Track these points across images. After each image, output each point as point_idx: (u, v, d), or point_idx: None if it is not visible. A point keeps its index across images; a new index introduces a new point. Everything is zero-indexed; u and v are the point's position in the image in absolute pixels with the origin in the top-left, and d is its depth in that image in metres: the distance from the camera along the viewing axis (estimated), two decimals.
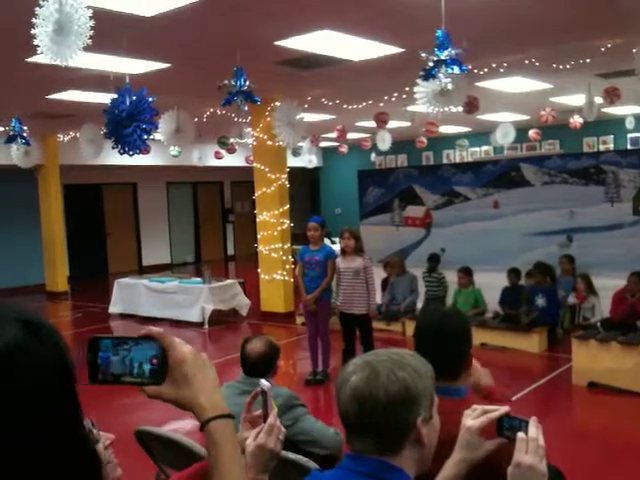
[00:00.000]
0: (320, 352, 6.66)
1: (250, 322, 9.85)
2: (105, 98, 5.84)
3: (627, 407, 5.63)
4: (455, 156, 16.88)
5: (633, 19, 5.45)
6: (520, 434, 1.55)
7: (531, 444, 1.52)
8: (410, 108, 10.34)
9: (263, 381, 1.52)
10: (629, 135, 14.55)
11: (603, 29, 6.49)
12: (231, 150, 12.90)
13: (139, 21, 5.51)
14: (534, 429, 1.55)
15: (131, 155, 5.72)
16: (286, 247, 9.95)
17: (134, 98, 5.62)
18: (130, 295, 10.69)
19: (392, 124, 11.49)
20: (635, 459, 4.45)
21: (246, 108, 6.37)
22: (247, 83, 6.12)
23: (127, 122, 5.60)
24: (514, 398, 5.94)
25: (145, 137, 5.67)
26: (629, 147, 14.34)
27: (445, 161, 16.93)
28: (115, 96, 5.58)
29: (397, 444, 1.41)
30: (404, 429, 1.41)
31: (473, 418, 1.67)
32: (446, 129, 14.74)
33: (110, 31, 5.87)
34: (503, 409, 1.65)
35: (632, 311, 7.14)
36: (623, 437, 4.92)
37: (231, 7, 5.35)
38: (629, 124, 12.73)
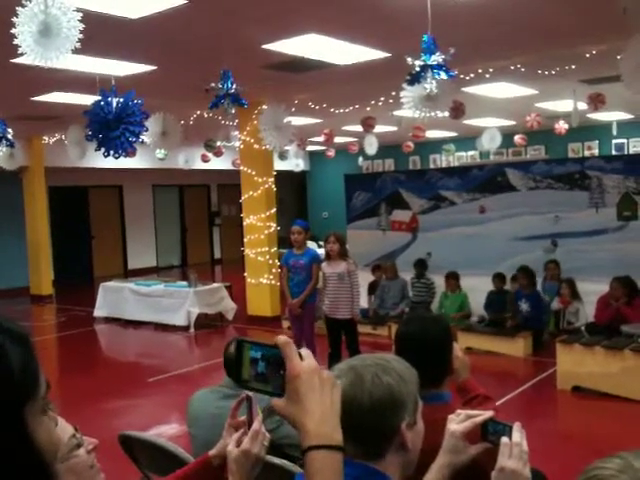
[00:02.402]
0: None
1: (236, 326, 9.82)
2: (91, 100, 5.81)
3: (611, 411, 5.67)
4: (442, 161, 16.96)
5: (626, 23, 5.49)
6: (504, 439, 1.55)
7: (515, 449, 1.53)
8: (397, 113, 10.37)
9: None
10: (614, 141, 14.69)
11: (589, 35, 6.54)
12: (218, 153, 12.88)
13: (125, 23, 5.49)
14: (518, 434, 1.56)
15: (116, 157, 5.69)
16: (273, 251, 9.94)
17: (121, 100, 5.60)
18: (115, 299, 10.63)
19: (379, 128, 11.52)
20: None
21: (233, 111, 6.35)
22: (234, 86, 6.11)
23: (114, 124, 5.57)
24: (499, 402, 5.96)
25: (133, 140, 5.65)
26: (614, 153, 14.47)
27: (432, 166, 16.99)
28: (98, 98, 5.55)
29: (381, 449, 1.41)
30: (388, 434, 1.41)
31: (457, 423, 1.67)
32: (433, 134, 14.80)
33: (96, 33, 5.84)
34: (487, 414, 1.65)
35: (616, 316, 7.20)
36: (607, 441, 4.94)
37: (218, 10, 5.34)
38: (614, 130, 12.85)
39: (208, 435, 3.01)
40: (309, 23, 5.84)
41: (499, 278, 8.44)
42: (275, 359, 1.05)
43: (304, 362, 1.05)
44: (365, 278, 9.32)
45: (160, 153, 12.55)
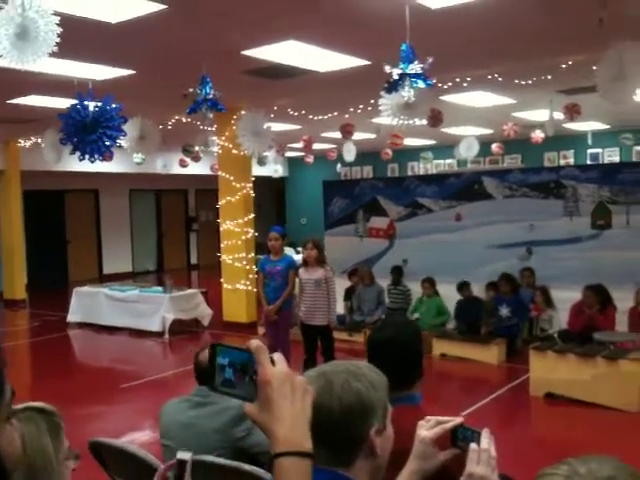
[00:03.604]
0: None
1: (212, 332, 9.77)
2: (69, 104, 5.76)
3: (583, 417, 5.73)
4: (420, 168, 17.06)
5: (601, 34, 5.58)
6: (472, 445, 1.56)
7: (483, 455, 1.54)
8: (376, 120, 10.42)
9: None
10: (589, 150, 14.89)
11: (565, 46, 6.63)
12: (196, 158, 12.83)
13: (104, 27, 5.46)
14: (486, 440, 1.56)
15: (92, 161, 5.65)
16: (250, 257, 9.91)
17: (99, 104, 5.56)
18: (89, 304, 10.52)
19: (358, 135, 11.56)
20: None
21: (211, 116, 6.34)
22: (213, 91, 6.10)
23: (92, 128, 5.54)
24: (472, 408, 6.00)
25: (109, 144, 5.61)
26: (589, 162, 14.67)
27: (410, 173, 17.09)
28: (75, 101, 5.51)
29: (350, 455, 1.41)
30: (357, 440, 1.41)
31: (427, 429, 1.68)
32: (411, 142, 14.89)
33: (74, 37, 5.79)
34: (457, 420, 1.66)
35: (589, 323, 7.29)
36: (579, 447, 4.99)
37: (197, 16, 5.33)
38: (589, 140, 13.02)
39: (178, 445, 3.00)
40: (289, 30, 5.86)
41: (465, 286, 8.51)
42: (244, 365, 1.05)
43: (276, 368, 1.05)
44: (342, 284, 9.33)
45: (138, 157, 12.47)
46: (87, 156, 5.59)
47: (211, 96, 6.04)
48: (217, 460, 2.67)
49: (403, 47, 4.76)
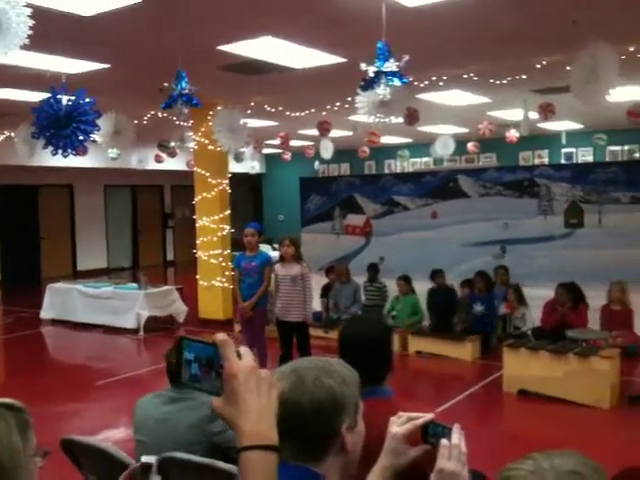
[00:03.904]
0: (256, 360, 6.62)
1: (187, 329, 9.71)
2: (41, 97, 5.68)
3: (556, 414, 5.80)
4: (396, 166, 17.13)
5: (575, 35, 5.64)
6: (443, 441, 1.57)
7: (454, 451, 1.55)
8: (353, 118, 10.44)
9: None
10: (563, 150, 15.07)
11: (540, 46, 6.70)
12: (172, 154, 12.74)
13: (77, 20, 5.39)
14: (457, 436, 1.57)
15: (65, 156, 5.58)
16: (226, 253, 9.88)
17: (73, 98, 5.49)
18: (63, 300, 10.40)
19: (335, 133, 11.57)
20: None
21: (186, 112, 6.29)
22: (188, 86, 6.05)
23: (65, 122, 5.46)
24: (447, 405, 6.05)
25: (82, 138, 5.54)
26: (563, 162, 14.85)
27: (387, 171, 17.16)
28: (48, 95, 5.43)
29: (321, 451, 1.41)
30: (329, 436, 1.41)
31: (399, 425, 1.68)
32: (388, 139, 14.94)
33: (47, 29, 5.71)
34: (428, 416, 1.67)
35: (562, 321, 7.40)
36: (550, 443, 5.06)
37: (172, 10, 5.28)
38: (563, 139, 13.18)
39: (153, 440, 2.98)
40: (265, 26, 5.84)
41: (438, 274, 8.55)
42: (210, 359, 1.04)
43: (242, 361, 1.05)
44: (318, 281, 9.34)
45: (112, 153, 12.32)
46: (60, 151, 5.52)
47: (186, 91, 5.98)
48: (190, 457, 2.66)
49: (379, 45, 4.77)
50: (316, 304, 8.65)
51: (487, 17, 5.71)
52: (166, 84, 5.89)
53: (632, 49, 6.51)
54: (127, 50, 6.58)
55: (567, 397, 5.93)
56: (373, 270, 9.35)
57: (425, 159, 16.65)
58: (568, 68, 5.90)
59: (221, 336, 1.05)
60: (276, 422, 1.40)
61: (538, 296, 7.93)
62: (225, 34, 6.07)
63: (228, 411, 1.03)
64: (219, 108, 8.03)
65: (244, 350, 1.06)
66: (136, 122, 9.34)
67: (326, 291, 9.46)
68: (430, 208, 9.56)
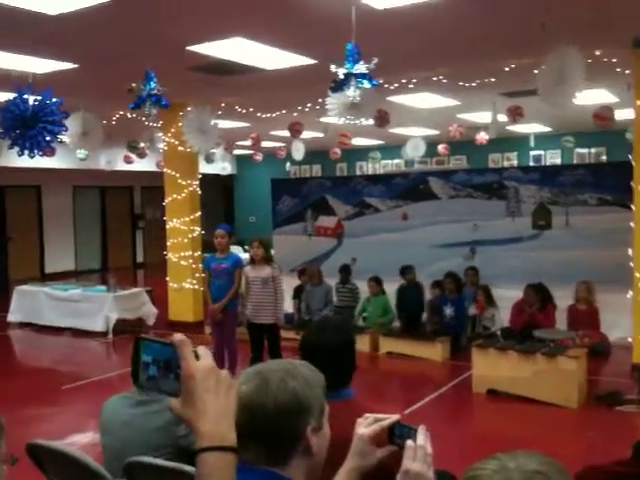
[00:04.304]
0: (227, 362, 6.59)
1: (157, 332, 9.62)
2: (7, 97, 5.58)
3: (524, 414, 5.85)
4: (368, 168, 17.19)
5: (543, 38, 5.72)
6: (409, 442, 1.57)
7: (419, 452, 1.55)
8: (324, 119, 10.45)
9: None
10: (532, 152, 15.27)
11: (508, 49, 6.78)
12: (141, 154, 12.62)
13: (43, 19, 5.31)
14: (422, 437, 1.58)
15: (31, 157, 5.49)
16: (196, 255, 9.81)
17: (39, 98, 5.41)
18: (30, 303, 10.23)
19: (307, 134, 11.57)
20: None
21: (155, 112, 6.24)
22: (156, 87, 6.00)
23: (32, 123, 5.37)
24: (417, 406, 6.08)
25: (49, 139, 5.46)
26: (531, 164, 15.05)
27: (358, 172, 17.21)
28: (14, 95, 5.34)
29: (286, 454, 1.41)
30: (293, 439, 1.41)
31: (365, 426, 1.69)
32: (360, 141, 14.98)
33: (13, 28, 5.63)
34: (394, 417, 1.67)
35: (530, 321, 7.49)
36: (518, 442, 5.11)
37: (141, 9, 5.24)
38: (531, 142, 13.36)
39: (119, 444, 2.94)
40: (235, 27, 5.81)
41: (408, 270, 8.61)
42: (168, 359, 1.03)
43: (199, 362, 1.04)
44: (290, 283, 9.34)
45: (81, 153, 12.16)
46: (27, 151, 5.43)
47: (155, 92, 5.94)
48: (156, 461, 2.63)
49: (348, 47, 4.78)
50: (288, 306, 8.64)
51: (455, 20, 5.76)
52: (134, 84, 5.84)
53: (598, 53, 6.62)
54: (95, 50, 6.50)
55: (535, 397, 5.99)
56: (345, 271, 9.38)
57: (396, 161, 16.73)
58: (536, 71, 5.99)
59: (179, 337, 1.04)
60: (240, 425, 1.39)
61: (507, 297, 8.03)
62: (194, 34, 6.03)
63: (186, 412, 1.02)
64: (188, 109, 7.98)
65: (202, 350, 1.05)
66: (105, 122, 9.25)
67: (298, 293, 9.46)
68: (401, 210, 9.61)
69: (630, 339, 6.80)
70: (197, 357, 1.04)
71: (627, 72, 6.85)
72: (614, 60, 6.79)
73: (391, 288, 8.90)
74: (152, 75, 5.99)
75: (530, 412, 5.85)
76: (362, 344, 7.90)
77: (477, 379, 6.40)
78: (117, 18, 5.44)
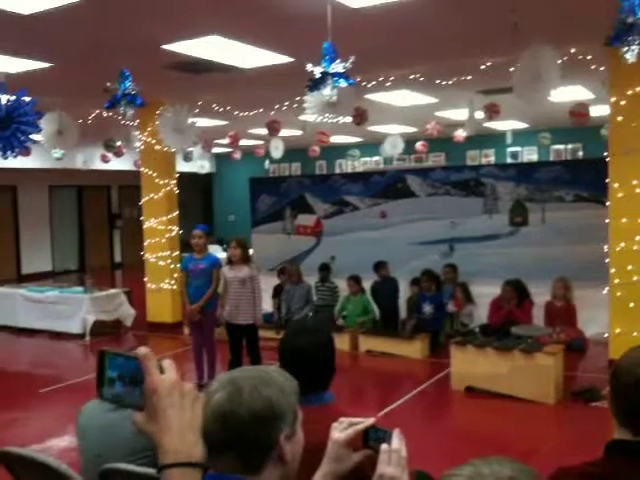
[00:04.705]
0: (206, 363, 6.55)
1: (135, 333, 9.55)
2: None
3: (502, 410, 5.89)
4: (347, 166, 17.20)
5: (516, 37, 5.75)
6: (384, 446, 1.57)
7: (393, 455, 1.55)
8: (302, 117, 10.43)
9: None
10: (509, 149, 15.38)
11: (484, 48, 6.81)
12: (118, 153, 12.51)
13: (16, 19, 5.24)
14: (397, 440, 1.57)
15: (5, 158, 5.40)
16: (174, 255, 9.74)
17: (13, 98, 5.32)
18: (6, 305, 10.10)
19: (285, 132, 11.54)
20: (512, 456, 4.65)
21: (131, 112, 6.18)
22: (131, 85, 5.94)
23: (5, 123, 5.29)
24: (397, 404, 6.10)
25: (23, 139, 5.38)
26: (509, 161, 15.15)
27: (338, 170, 17.22)
28: None
29: (259, 462, 1.39)
30: (267, 447, 1.40)
31: (340, 431, 1.68)
32: (338, 139, 14.98)
33: None
34: (369, 421, 1.67)
35: (508, 318, 7.54)
36: (497, 439, 5.15)
37: (115, 8, 5.18)
38: (508, 139, 13.45)
39: (97, 449, 2.90)
40: (211, 25, 5.77)
41: (381, 266, 8.64)
42: (133, 373, 1.01)
43: (164, 376, 1.02)
44: (270, 282, 9.32)
45: (57, 153, 12.03)
46: (4, 151, 5.34)
47: (130, 91, 5.88)
48: (133, 468, 2.60)
49: (325, 45, 4.77)
50: (267, 305, 8.62)
51: (430, 19, 5.77)
52: (109, 84, 5.78)
53: (574, 50, 6.67)
54: (69, 49, 6.42)
55: (513, 393, 6.03)
56: (325, 270, 9.37)
57: (376, 158, 16.76)
58: (512, 69, 6.02)
59: (142, 350, 1.02)
60: (213, 434, 1.38)
61: (485, 293, 8.08)
62: (170, 33, 5.98)
63: (150, 427, 1.01)
64: (161, 108, 7.91)
65: (167, 364, 1.03)
66: (81, 121, 9.15)
67: (277, 292, 9.43)
68: (379, 208, 9.63)
69: (606, 335, 6.87)
70: (162, 371, 1.02)
71: (602, 69, 6.91)
72: (589, 57, 6.85)
73: (370, 286, 8.91)
74: (127, 74, 5.92)
75: (508, 409, 5.89)
76: (342, 343, 7.91)
77: (455, 376, 6.43)
78: (91, 17, 5.37)
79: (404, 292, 8.75)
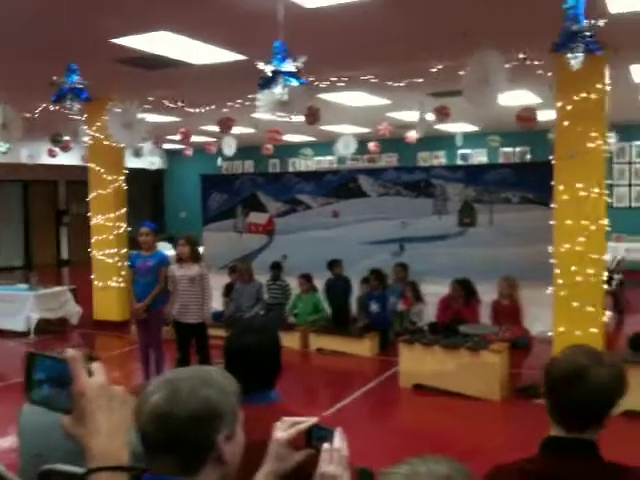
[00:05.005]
0: (153, 363, 6.47)
1: (81, 331, 9.35)
2: None
3: (448, 407, 5.97)
4: (301, 165, 17.20)
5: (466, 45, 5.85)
6: (325, 445, 1.58)
7: (335, 454, 1.56)
8: (254, 115, 10.37)
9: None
10: (460, 151, 15.62)
11: (434, 51, 6.90)
12: (65, 148, 12.23)
13: None
14: (339, 439, 1.59)
15: None
16: (122, 252, 9.57)
17: None
18: None
19: (238, 129, 11.47)
20: (457, 454, 4.74)
21: (79, 106, 6.05)
22: (78, 80, 5.81)
23: None
24: (346, 402, 6.13)
25: None
26: (459, 162, 15.40)
27: (291, 169, 17.22)
28: None
29: (198, 463, 1.38)
30: (205, 448, 1.38)
31: (282, 430, 1.68)
32: (292, 137, 14.96)
33: None
34: (311, 420, 1.67)
35: (456, 316, 7.67)
36: (443, 436, 5.23)
37: (64, 0, 5.06)
38: (458, 141, 13.66)
39: (36, 448, 2.84)
40: (162, 20, 5.70)
41: (335, 264, 8.72)
42: (61, 376, 0.99)
43: (92, 379, 1.01)
44: (221, 280, 9.25)
45: (1, 147, 11.68)
46: None
47: (77, 85, 5.75)
48: (71, 468, 2.54)
49: (276, 44, 4.75)
50: (217, 304, 8.55)
51: (381, 21, 5.81)
52: (55, 77, 5.64)
53: (523, 56, 6.82)
54: (16, 42, 6.25)
55: (460, 390, 6.13)
56: (276, 268, 9.35)
57: (329, 157, 16.80)
58: (461, 73, 6.12)
59: (70, 352, 1.00)
60: (151, 436, 1.36)
61: (435, 292, 8.20)
62: (119, 27, 5.88)
63: (78, 430, 0.99)
64: (111, 103, 7.77)
65: (96, 367, 1.01)
66: (28, 115, 8.92)
67: (228, 290, 9.37)
68: (332, 207, 9.67)
69: (550, 333, 7.05)
70: (90, 374, 1.00)
71: (550, 75, 7.08)
72: (537, 63, 7.01)
73: (322, 285, 8.94)
74: (74, 68, 5.80)
75: (454, 406, 5.98)
76: (292, 341, 7.91)
77: (404, 374, 6.50)
78: (38, 9, 5.23)
79: (356, 291, 8.81)
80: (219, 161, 16.06)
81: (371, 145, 13.10)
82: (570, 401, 1.77)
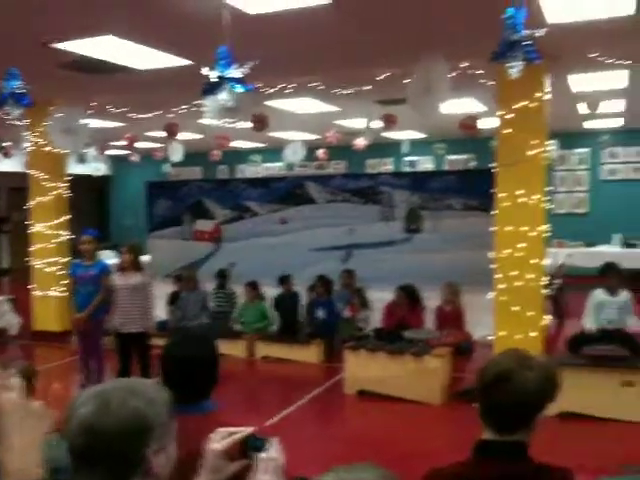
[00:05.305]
0: (93, 373, 6.32)
1: (21, 342, 9.08)
2: None
3: (390, 413, 6.03)
4: (249, 171, 17.11)
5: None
6: (261, 454, 1.58)
7: (270, 464, 1.56)
8: (201, 121, 10.29)
9: None
10: (407, 158, 15.80)
11: (381, 59, 6.98)
12: (7, 154, 11.89)
13: None
14: (274, 449, 1.59)
15: None
16: (63, 261, 9.33)
17: None
18: None
19: (185, 135, 11.35)
20: (396, 457, 4.77)
21: (19, 111, 5.88)
22: (20, 84, 5.65)
23: None
24: (291, 409, 6.11)
25: None
26: (407, 169, 15.58)
27: (240, 175, 17.10)
28: None
29: (126, 477, 1.36)
30: (134, 461, 1.36)
31: (217, 441, 1.67)
32: (241, 144, 14.89)
33: None
34: (247, 430, 1.67)
35: (401, 322, 7.74)
36: (387, 441, 5.26)
37: (3, 2, 4.92)
38: (405, 148, 13.82)
39: None
40: (105, 24, 5.60)
41: (286, 280, 8.71)
42: None
43: (7, 395, 0.98)
44: (167, 289, 9.11)
45: None
46: None
47: (17, 90, 5.59)
48: None
49: (220, 50, 4.72)
50: (162, 312, 8.43)
51: (327, 28, 5.84)
52: None
53: (466, 65, 6.95)
54: None
55: (403, 395, 6.19)
56: (222, 276, 9.27)
57: (278, 164, 16.76)
58: (406, 81, 6.21)
59: None
60: (79, 449, 1.33)
61: (381, 298, 8.26)
62: (61, 31, 5.75)
63: None
64: (51, 108, 7.58)
65: (14, 383, 0.99)
66: None
67: (174, 299, 9.23)
68: (279, 214, 9.66)
69: (492, 337, 7.18)
70: (8, 389, 0.98)
71: (492, 83, 7.24)
72: (480, 72, 7.16)
73: (270, 292, 8.89)
74: (15, 72, 5.64)
75: (395, 411, 6.03)
76: (238, 349, 7.86)
77: (349, 380, 6.52)
78: None
79: (304, 298, 8.80)
80: (167, 167, 15.84)
81: (320, 152, 13.14)
82: (498, 404, 1.81)
